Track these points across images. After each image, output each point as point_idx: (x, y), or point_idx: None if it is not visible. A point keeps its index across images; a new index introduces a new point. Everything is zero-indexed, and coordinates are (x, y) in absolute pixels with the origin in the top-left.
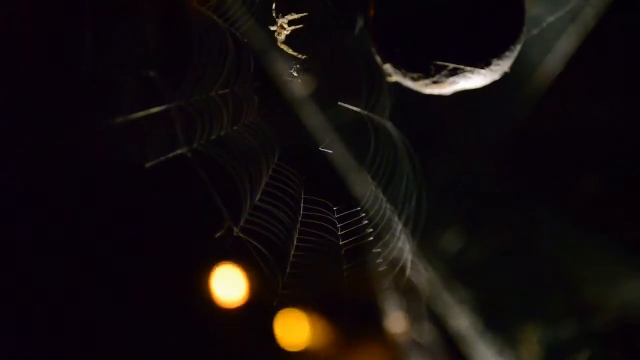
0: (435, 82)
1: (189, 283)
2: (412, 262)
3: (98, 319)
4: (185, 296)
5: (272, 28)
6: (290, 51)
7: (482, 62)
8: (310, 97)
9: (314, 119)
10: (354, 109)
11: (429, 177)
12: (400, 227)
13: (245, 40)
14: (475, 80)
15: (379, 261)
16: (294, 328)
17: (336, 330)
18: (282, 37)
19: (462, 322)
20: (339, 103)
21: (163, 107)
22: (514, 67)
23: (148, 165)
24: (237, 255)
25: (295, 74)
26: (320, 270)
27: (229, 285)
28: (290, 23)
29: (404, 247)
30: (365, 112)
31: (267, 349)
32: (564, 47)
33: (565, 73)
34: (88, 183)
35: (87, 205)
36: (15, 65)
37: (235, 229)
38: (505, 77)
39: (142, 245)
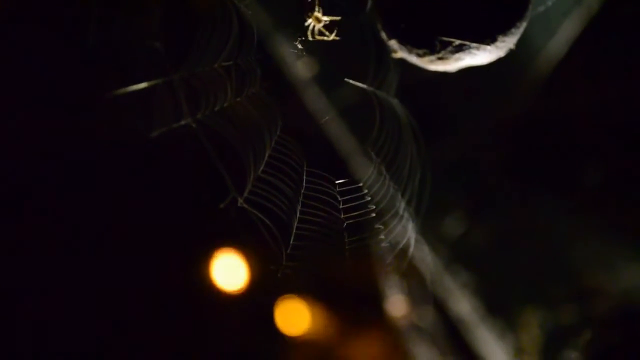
0: (440, 58)
1: (189, 261)
2: (415, 242)
3: (96, 304)
4: (185, 277)
5: (308, 22)
6: (326, 38)
7: (488, 38)
8: (314, 73)
9: (318, 95)
10: (360, 85)
11: (431, 159)
12: (403, 205)
13: (250, 12)
14: (480, 56)
15: (380, 237)
16: (294, 314)
17: (336, 313)
18: (317, 28)
19: (463, 305)
20: (345, 79)
21: (167, 78)
22: (517, 50)
23: (153, 134)
24: (237, 237)
25: (300, 46)
26: (323, 244)
27: (229, 270)
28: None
29: (406, 225)
30: (371, 89)
31: (267, 335)
32: (567, 30)
33: (568, 57)
34: (89, 154)
35: (87, 177)
36: (18, 39)
37: (239, 199)
38: (509, 61)
39: (143, 218)
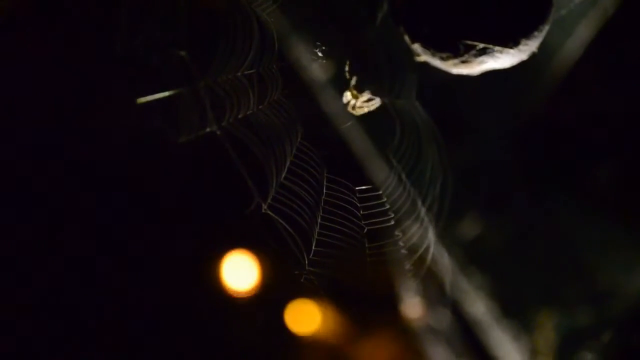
0: (463, 62)
1: (204, 262)
2: (435, 247)
3: (107, 302)
4: (199, 278)
5: (347, 97)
6: (366, 109)
7: (511, 42)
8: (332, 80)
9: (336, 101)
10: (376, 100)
11: (449, 162)
12: (423, 211)
13: (272, 20)
14: (503, 59)
15: (400, 244)
16: (307, 315)
17: (350, 314)
18: (358, 104)
19: (478, 307)
20: (366, 92)
21: (192, 86)
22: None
23: (180, 140)
24: (252, 240)
25: (319, 54)
26: (344, 250)
27: (240, 272)
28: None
29: (426, 231)
30: (387, 99)
31: (278, 337)
32: (583, 32)
33: (584, 59)
34: (115, 157)
35: (111, 179)
36: (50, 44)
37: (263, 205)
38: (524, 63)
39: (170, 222)
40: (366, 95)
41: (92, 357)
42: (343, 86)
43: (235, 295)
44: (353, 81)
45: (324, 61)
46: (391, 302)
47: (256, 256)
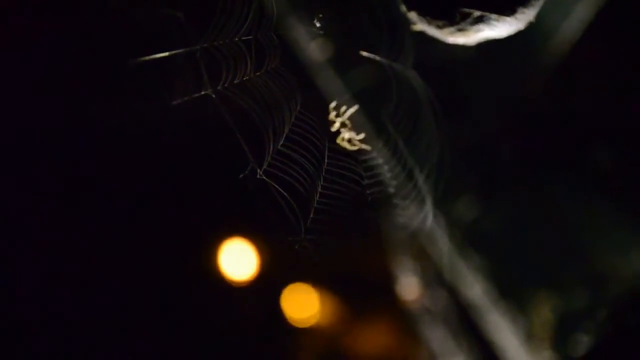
0: (460, 30)
1: (204, 253)
2: (432, 224)
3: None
4: (195, 261)
5: (336, 127)
6: (350, 147)
7: (508, 10)
8: (331, 53)
9: (334, 75)
10: (376, 58)
11: (446, 140)
12: (421, 180)
13: None
14: (500, 28)
15: (399, 212)
16: (303, 300)
17: (346, 297)
18: (344, 135)
19: (475, 289)
20: (361, 52)
21: (188, 48)
22: (530, 33)
23: (174, 102)
24: (252, 217)
25: (318, 25)
26: (344, 218)
27: (238, 260)
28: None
29: (424, 201)
30: (387, 61)
31: (274, 324)
32: (582, 13)
33: (583, 40)
34: (107, 121)
35: (102, 143)
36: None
37: (258, 170)
38: (524, 45)
39: (158, 189)
40: (348, 129)
41: (91, 341)
42: (343, 61)
43: (232, 282)
44: (334, 106)
45: (324, 29)
46: (387, 285)
47: (254, 243)
